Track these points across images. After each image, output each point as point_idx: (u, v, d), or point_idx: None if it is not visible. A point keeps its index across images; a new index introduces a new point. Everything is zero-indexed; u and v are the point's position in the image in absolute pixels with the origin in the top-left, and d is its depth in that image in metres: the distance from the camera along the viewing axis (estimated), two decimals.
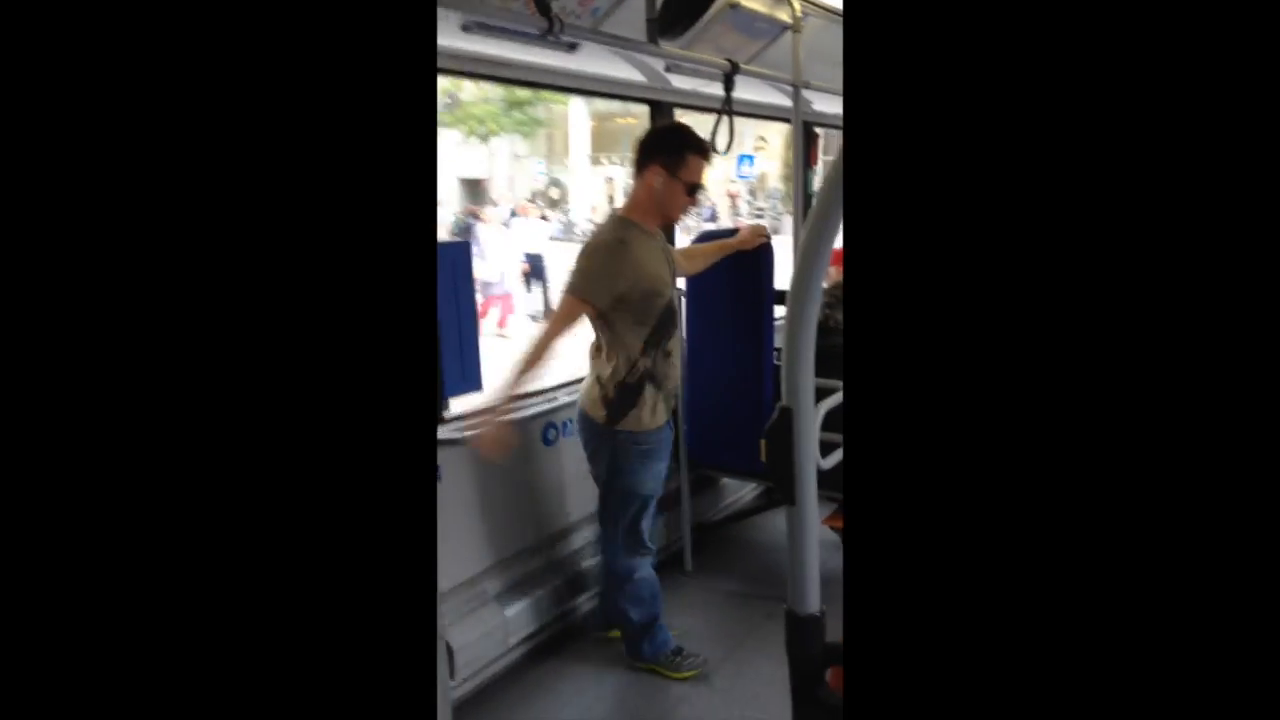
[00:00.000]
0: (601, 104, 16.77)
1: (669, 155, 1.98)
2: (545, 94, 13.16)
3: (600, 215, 15.36)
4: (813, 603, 0.94)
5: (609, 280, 1.92)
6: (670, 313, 2.07)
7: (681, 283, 2.43)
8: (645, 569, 2.24)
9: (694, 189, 2.01)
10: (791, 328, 0.85)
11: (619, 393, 2.01)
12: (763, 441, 0.88)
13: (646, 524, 2.20)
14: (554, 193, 18.20)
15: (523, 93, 14.49)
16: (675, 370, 2.14)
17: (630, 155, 2.10)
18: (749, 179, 18.09)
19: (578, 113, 18.30)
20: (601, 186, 18.71)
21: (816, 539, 0.93)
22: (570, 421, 2.55)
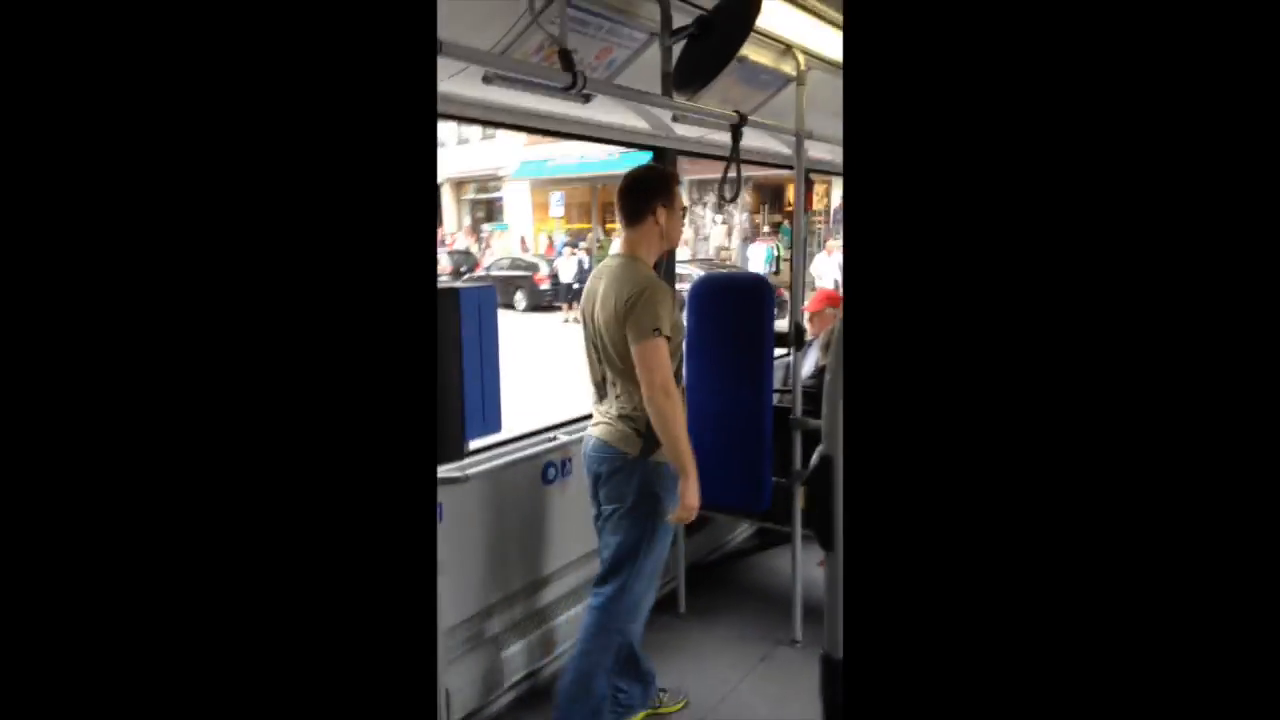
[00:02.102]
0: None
1: (665, 193, 2.10)
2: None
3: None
4: None
5: (669, 311, 1.98)
6: (678, 369, 2.09)
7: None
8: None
9: (684, 213, 2.20)
10: (832, 380, 0.88)
11: (649, 426, 2.00)
12: (802, 488, 0.91)
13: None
14: None
15: None
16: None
17: (615, 213, 2.17)
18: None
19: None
20: None
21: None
22: (569, 461, 2.57)
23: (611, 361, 2.04)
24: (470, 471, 2.16)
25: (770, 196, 17.71)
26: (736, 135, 2.40)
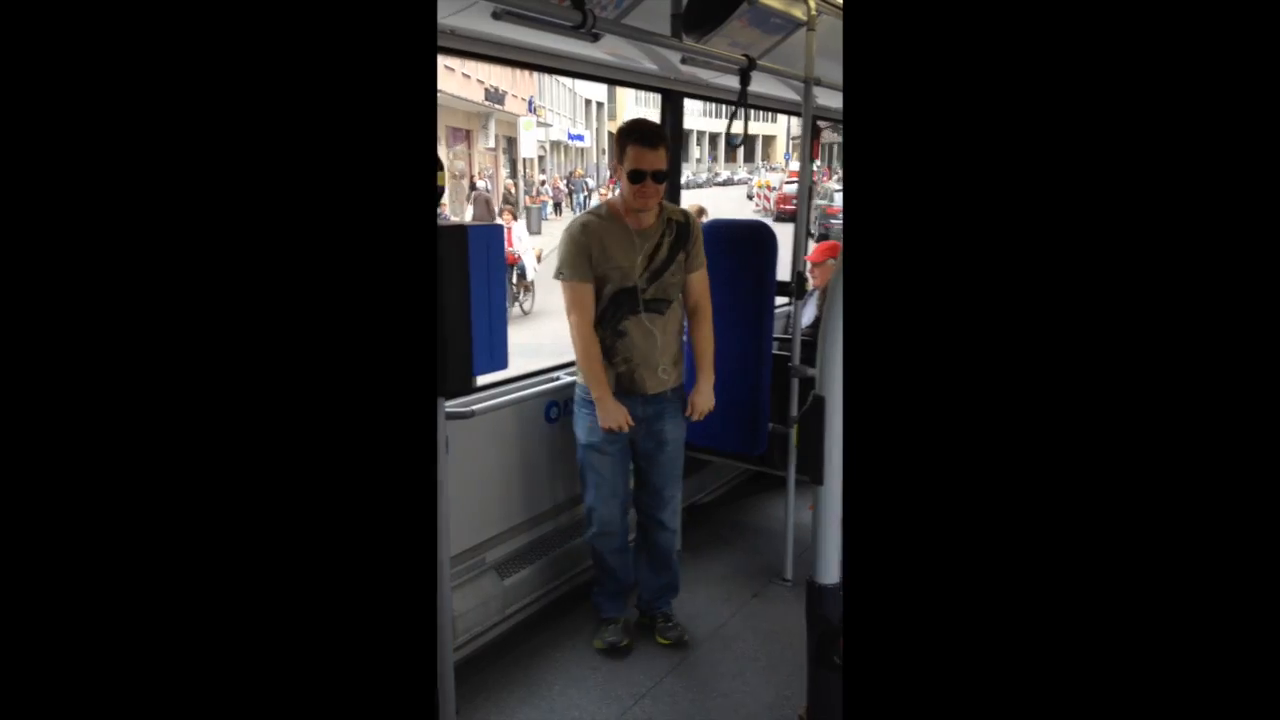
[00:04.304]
0: None
1: (619, 152, 2.14)
2: None
3: None
4: (834, 573, 1.01)
5: (571, 255, 2.15)
6: (624, 296, 2.17)
7: None
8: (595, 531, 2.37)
9: (635, 175, 2.10)
10: (828, 325, 0.92)
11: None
12: (795, 427, 0.95)
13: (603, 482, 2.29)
14: None
15: None
16: (637, 353, 2.20)
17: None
18: None
19: None
20: None
21: (840, 515, 1.00)
22: (570, 401, 2.63)
23: None
24: (476, 408, 2.22)
25: None
26: (745, 79, 2.39)
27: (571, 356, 2.58)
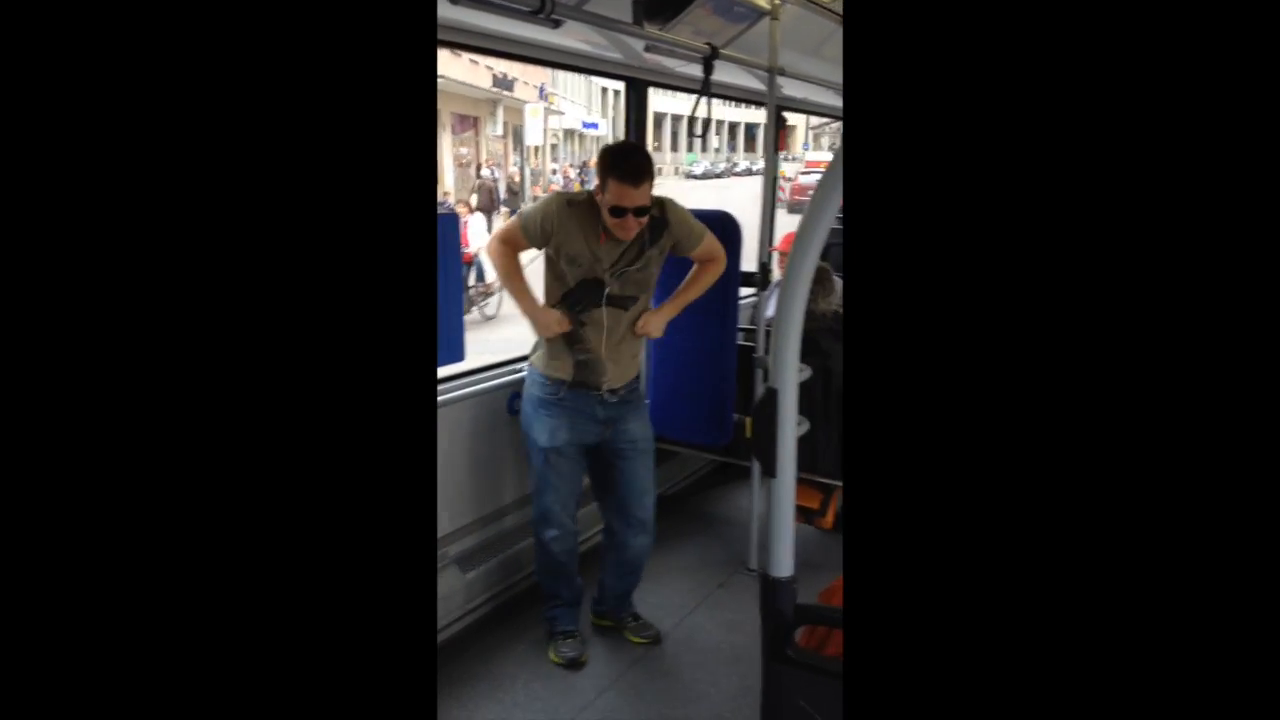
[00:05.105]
0: None
1: (600, 180, 2.01)
2: None
3: None
4: (786, 567, 1.01)
5: (537, 216, 2.09)
6: (590, 288, 2.09)
7: None
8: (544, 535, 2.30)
9: (615, 211, 1.98)
10: (782, 317, 0.91)
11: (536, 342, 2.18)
12: (748, 419, 0.94)
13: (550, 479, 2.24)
14: None
15: None
16: (596, 345, 2.13)
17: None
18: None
19: None
20: None
21: (793, 508, 1.00)
22: None
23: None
24: (437, 399, 2.19)
25: None
26: (708, 68, 2.37)
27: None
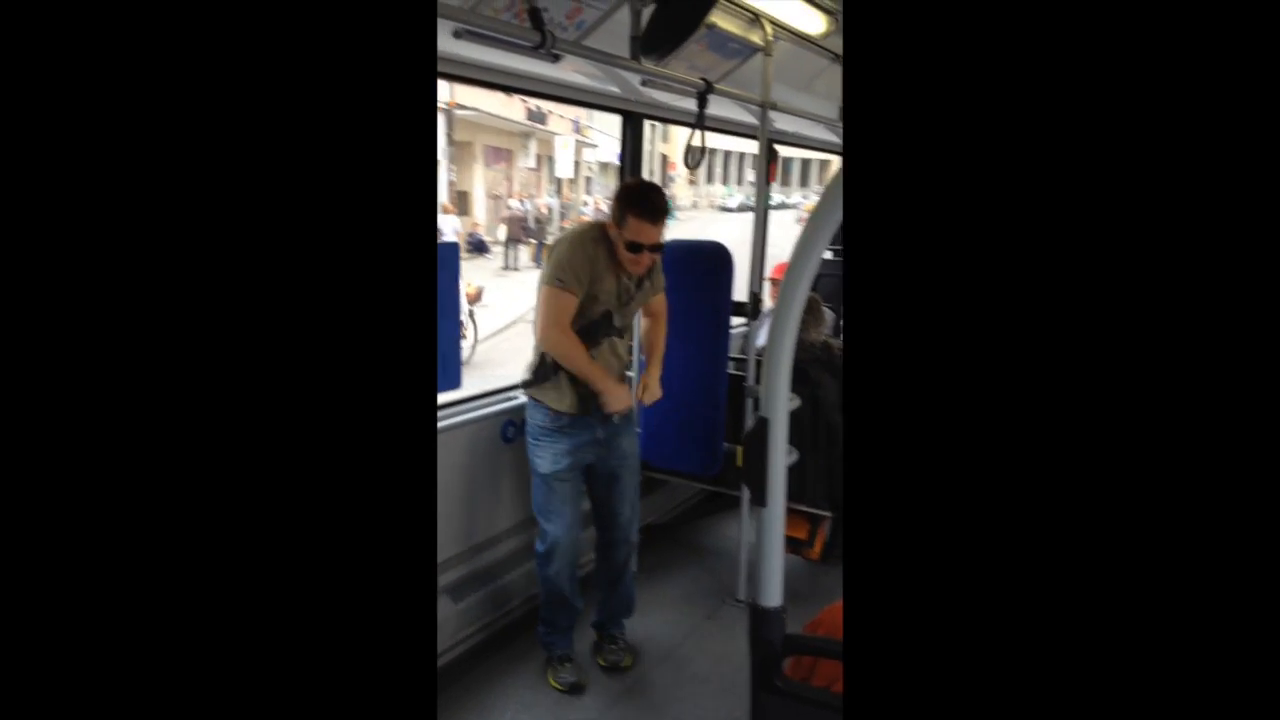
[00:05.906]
0: None
1: (618, 214, 2.08)
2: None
3: None
4: (776, 596, 1.01)
5: (574, 266, 2.06)
6: (605, 320, 2.15)
7: None
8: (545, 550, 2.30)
9: (633, 247, 2.06)
10: (773, 346, 0.93)
11: (540, 366, 2.15)
12: (739, 448, 0.96)
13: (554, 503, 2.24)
14: None
15: None
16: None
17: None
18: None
19: None
20: None
21: (783, 538, 1.01)
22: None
23: None
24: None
25: None
26: (702, 102, 2.42)
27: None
